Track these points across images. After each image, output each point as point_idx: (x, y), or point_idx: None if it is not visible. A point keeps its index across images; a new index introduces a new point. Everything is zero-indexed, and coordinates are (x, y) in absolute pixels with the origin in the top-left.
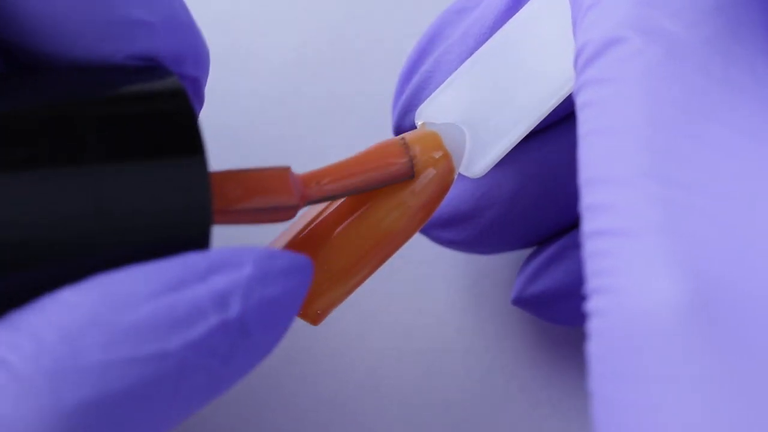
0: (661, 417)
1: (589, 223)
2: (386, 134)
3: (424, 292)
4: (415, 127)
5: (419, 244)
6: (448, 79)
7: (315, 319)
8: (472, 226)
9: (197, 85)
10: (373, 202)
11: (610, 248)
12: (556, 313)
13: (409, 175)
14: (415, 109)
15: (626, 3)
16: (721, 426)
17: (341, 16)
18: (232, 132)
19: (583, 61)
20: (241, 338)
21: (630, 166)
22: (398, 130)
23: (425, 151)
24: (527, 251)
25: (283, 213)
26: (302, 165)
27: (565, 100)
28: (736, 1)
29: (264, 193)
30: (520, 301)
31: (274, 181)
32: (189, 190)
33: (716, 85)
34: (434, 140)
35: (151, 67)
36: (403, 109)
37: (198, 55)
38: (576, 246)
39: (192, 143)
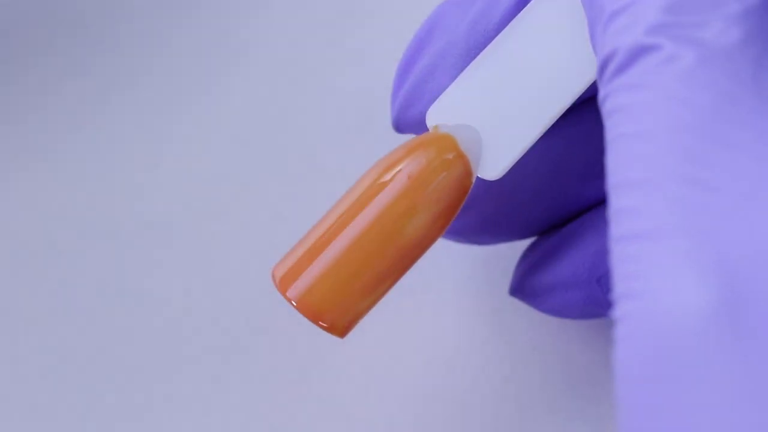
0: (687, 422)
1: (617, 228)
2: (385, 127)
3: (421, 284)
4: (417, 123)
5: None
6: (458, 79)
7: (342, 332)
8: (471, 217)
9: None
10: (390, 213)
11: (638, 252)
12: (554, 305)
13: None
14: (417, 104)
15: (655, 9)
16: (748, 431)
17: (336, 10)
18: (228, 129)
19: (612, 68)
20: None
21: (658, 170)
22: (398, 124)
23: (439, 154)
24: (526, 242)
25: None
26: (296, 161)
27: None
28: (762, 6)
29: None
30: (518, 291)
31: None
32: None
33: (746, 90)
34: (448, 143)
35: None
36: (403, 104)
37: None
38: (577, 237)
39: None
